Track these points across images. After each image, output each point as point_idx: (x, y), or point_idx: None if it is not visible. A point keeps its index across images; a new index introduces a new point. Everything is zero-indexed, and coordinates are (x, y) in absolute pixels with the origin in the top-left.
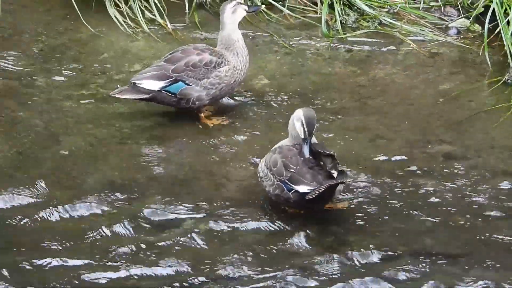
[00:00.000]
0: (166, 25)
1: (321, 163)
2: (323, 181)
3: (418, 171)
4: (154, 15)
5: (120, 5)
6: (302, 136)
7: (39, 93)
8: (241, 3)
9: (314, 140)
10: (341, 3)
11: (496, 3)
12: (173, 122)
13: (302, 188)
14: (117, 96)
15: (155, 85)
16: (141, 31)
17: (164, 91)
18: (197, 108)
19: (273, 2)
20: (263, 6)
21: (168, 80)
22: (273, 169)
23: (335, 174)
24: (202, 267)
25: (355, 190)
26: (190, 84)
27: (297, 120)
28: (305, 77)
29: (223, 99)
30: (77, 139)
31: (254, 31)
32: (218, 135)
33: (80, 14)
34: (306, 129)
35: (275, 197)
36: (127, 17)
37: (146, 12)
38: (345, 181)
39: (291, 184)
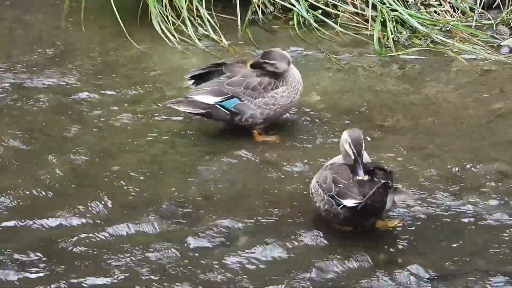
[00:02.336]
0: (221, 40)
1: (374, 178)
2: (370, 191)
3: (470, 190)
4: (207, 31)
5: (171, 22)
6: (353, 157)
7: (91, 109)
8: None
9: (367, 158)
10: (394, 20)
11: None
12: (225, 139)
13: (349, 202)
14: (173, 106)
15: (210, 99)
16: (193, 47)
17: (218, 105)
18: (250, 125)
19: (326, 20)
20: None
21: (224, 96)
22: (323, 185)
23: (383, 181)
24: (257, 286)
25: (406, 208)
26: (244, 101)
27: (345, 142)
28: (358, 94)
29: None
30: (130, 156)
31: (307, 48)
32: (270, 152)
33: (131, 31)
34: (354, 150)
35: (325, 213)
36: (173, 34)
37: (199, 28)
38: (391, 183)
39: (339, 199)
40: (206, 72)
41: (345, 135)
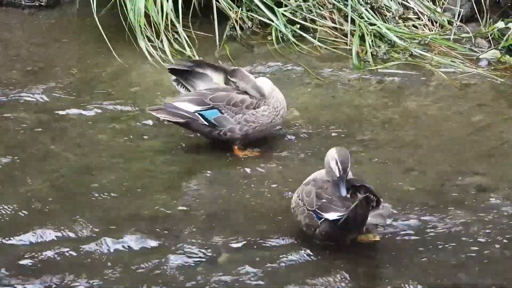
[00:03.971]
0: (194, 56)
1: (358, 194)
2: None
3: (451, 203)
4: (183, 47)
5: (151, 38)
6: (338, 175)
7: (71, 126)
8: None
9: (350, 175)
10: (372, 34)
11: None
12: (205, 155)
13: (332, 215)
14: (153, 113)
15: (190, 107)
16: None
17: (198, 114)
18: (228, 139)
19: (304, 34)
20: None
21: (205, 106)
22: (305, 199)
23: (366, 195)
24: None
25: (387, 223)
26: (225, 114)
27: (332, 159)
28: (337, 109)
29: None
30: (110, 173)
31: (285, 63)
32: (251, 168)
33: (112, 47)
34: (340, 167)
35: (306, 228)
36: (157, 50)
37: (175, 45)
38: (373, 199)
39: (321, 213)
40: (187, 71)
41: (332, 152)
